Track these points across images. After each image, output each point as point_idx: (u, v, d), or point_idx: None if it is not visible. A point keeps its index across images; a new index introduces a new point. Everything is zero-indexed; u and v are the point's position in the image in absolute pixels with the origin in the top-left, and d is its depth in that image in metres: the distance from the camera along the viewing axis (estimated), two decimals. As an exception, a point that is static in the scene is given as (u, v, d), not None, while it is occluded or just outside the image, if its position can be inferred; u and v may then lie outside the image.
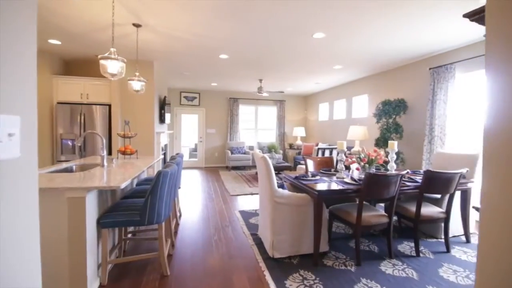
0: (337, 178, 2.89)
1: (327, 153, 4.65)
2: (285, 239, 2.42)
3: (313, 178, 2.74)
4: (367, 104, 5.92)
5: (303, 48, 4.01)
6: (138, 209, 2.07)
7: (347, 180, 2.66)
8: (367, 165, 2.90)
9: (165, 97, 5.53)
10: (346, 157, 3.01)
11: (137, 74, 3.24)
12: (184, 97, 8.15)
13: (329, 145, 6.79)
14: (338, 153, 3.69)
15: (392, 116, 4.66)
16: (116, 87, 4.68)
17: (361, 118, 6.09)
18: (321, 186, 2.47)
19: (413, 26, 3.19)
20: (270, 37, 3.55)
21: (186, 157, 8.92)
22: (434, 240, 2.96)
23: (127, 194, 2.62)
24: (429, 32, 3.37)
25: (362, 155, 2.98)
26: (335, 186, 2.47)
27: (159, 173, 1.99)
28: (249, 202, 4.42)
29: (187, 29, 3.32)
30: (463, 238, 2.99)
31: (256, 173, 7.18)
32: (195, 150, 8.92)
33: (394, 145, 3.16)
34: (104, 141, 2.62)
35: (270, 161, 2.37)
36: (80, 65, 4.95)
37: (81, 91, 4.76)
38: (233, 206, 4.15)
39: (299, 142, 8.36)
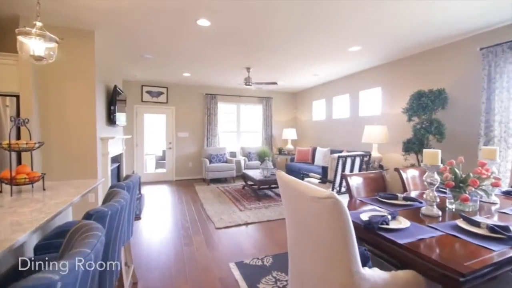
0: (424, 215, 1.61)
1: (348, 164, 3.41)
2: None
3: (404, 226, 1.40)
4: (380, 99, 4.83)
5: (322, 10, 2.69)
6: None
7: (474, 229, 1.36)
8: (477, 191, 1.65)
9: (115, 87, 3.86)
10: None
11: (37, 24, 1.64)
12: (147, 92, 6.41)
13: (326, 148, 5.59)
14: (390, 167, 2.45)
15: (427, 112, 3.57)
16: (28, 68, 2.93)
17: (371, 116, 4.98)
18: (449, 253, 1.14)
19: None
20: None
21: (151, 169, 7.15)
22: None
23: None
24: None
25: (458, 172, 1.73)
26: (481, 252, 1.14)
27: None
28: (246, 239, 2.96)
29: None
30: None
31: (244, 187, 5.69)
32: (163, 158, 7.19)
33: (494, 153, 1.97)
34: None
35: (348, 212, 0.97)
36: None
37: (-33, 74, 2.93)
38: (224, 252, 2.66)
39: (290, 146, 7.09)
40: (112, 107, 3.85)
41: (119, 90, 4.09)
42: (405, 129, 4.23)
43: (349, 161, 3.45)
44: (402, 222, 1.45)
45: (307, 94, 7.30)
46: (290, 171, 6.17)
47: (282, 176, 1.37)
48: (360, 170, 3.64)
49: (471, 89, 3.37)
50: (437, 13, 2.77)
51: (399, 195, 1.96)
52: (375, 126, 4.21)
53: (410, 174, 2.53)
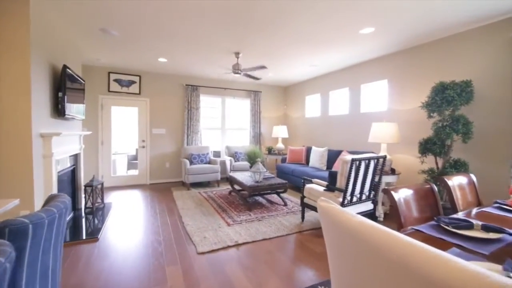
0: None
1: (362, 169, 2.80)
2: None
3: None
4: (386, 93, 4.29)
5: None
6: None
7: None
8: None
9: (64, 68, 2.96)
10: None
11: None
12: (116, 80, 5.44)
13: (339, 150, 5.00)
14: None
15: (452, 107, 3.04)
16: None
17: (376, 112, 4.44)
18: None
19: None
20: None
21: (122, 171, 6.19)
22: None
23: None
24: None
25: None
26: None
27: None
28: (239, 270, 2.24)
29: None
30: None
31: (231, 192, 4.87)
32: (135, 158, 6.24)
33: None
34: None
35: None
36: None
37: None
38: (211, 292, 1.92)
39: (280, 145, 6.43)
40: (60, 94, 2.94)
41: (71, 73, 3.17)
42: (418, 127, 3.71)
43: (363, 165, 2.83)
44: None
45: (299, 88, 6.67)
46: (282, 173, 5.52)
47: (345, 218, 0.66)
48: (373, 176, 3.04)
49: (502, 80, 2.87)
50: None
51: (474, 221, 1.33)
52: (385, 124, 3.65)
53: (456, 182, 1.94)
